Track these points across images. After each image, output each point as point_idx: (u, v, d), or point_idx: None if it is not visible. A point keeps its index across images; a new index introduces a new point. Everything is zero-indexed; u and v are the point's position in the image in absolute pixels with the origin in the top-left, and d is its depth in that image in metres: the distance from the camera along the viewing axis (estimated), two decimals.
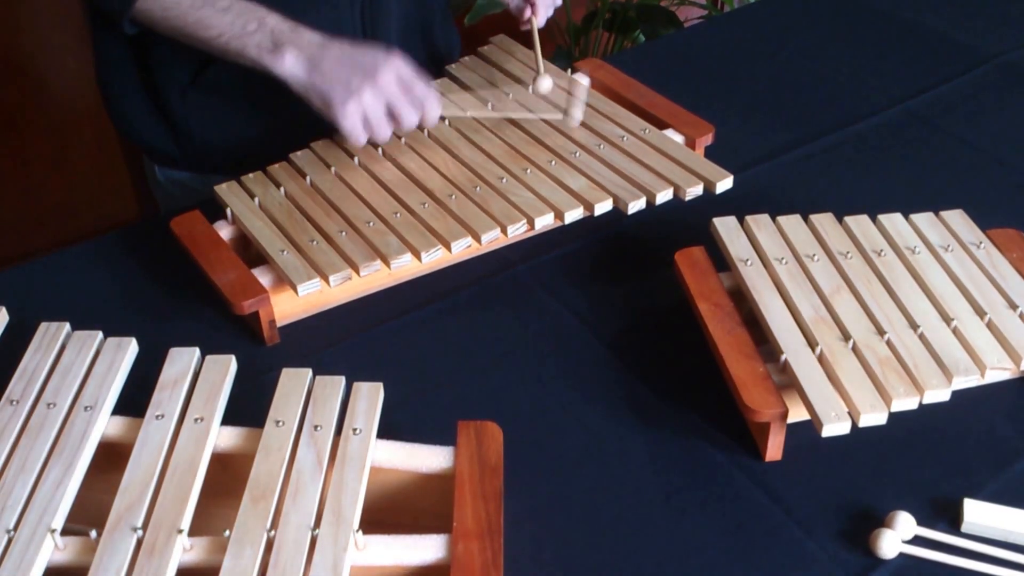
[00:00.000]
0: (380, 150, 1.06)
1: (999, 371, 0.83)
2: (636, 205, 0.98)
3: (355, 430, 0.75)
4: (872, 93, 1.30)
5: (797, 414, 0.83)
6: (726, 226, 0.97)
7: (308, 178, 1.03)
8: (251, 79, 0.99)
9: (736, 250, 0.94)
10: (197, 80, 1.10)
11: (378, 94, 0.96)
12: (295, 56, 0.96)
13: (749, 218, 0.97)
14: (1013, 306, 0.88)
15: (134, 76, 1.13)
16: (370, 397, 0.78)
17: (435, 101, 1.00)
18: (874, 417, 0.78)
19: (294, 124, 1.04)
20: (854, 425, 0.79)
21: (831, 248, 0.94)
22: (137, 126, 1.15)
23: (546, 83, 1.11)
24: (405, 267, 0.94)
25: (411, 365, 0.94)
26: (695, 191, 1.00)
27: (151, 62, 1.11)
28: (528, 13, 1.13)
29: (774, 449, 0.84)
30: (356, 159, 1.05)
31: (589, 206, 0.97)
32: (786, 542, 0.79)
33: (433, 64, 1.21)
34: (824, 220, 0.98)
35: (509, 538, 0.72)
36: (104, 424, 0.77)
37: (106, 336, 0.84)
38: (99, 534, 0.68)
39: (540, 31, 1.13)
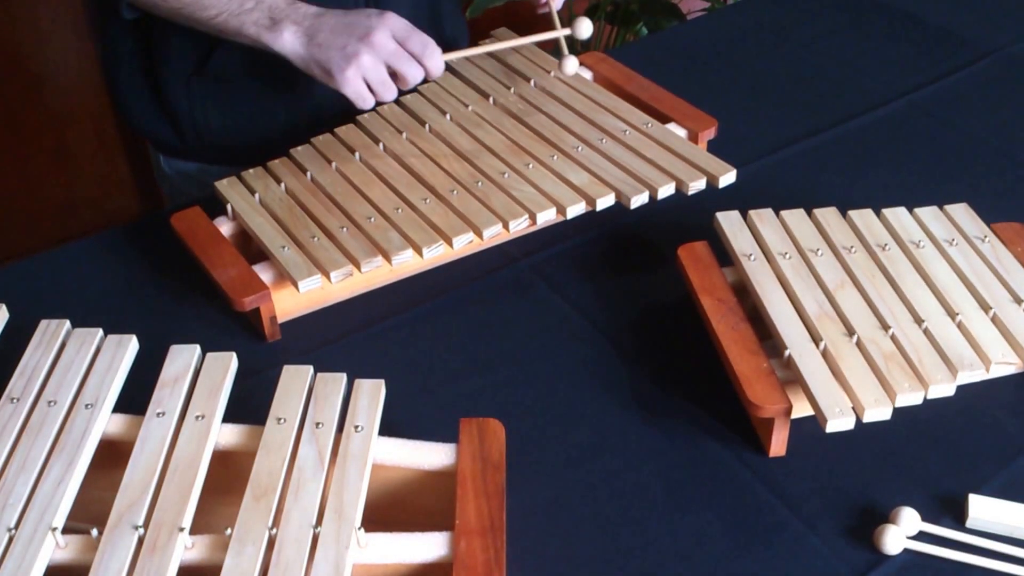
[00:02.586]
0: (381, 145, 1.05)
1: (1004, 366, 0.83)
2: (638, 199, 0.98)
3: (357, 427, 0.75)
4: (875, 86, 1.30)
5: (801, 409, 0.82)
6: (729, 220, 0.97)
7: (308, 173, 1.02)
8: (255, 70, 0.99)
9: (739, 244, 0.94)
10: (201, 71, 1.10)
11: (375, 55, 0.96)
12: (293, 31, 0.97)
13: (752, 212, 0.97)
14: (1018, 300, 0.88)
15: (139, 67, 1.13)
16: (372, 394, 0.78)
17: (434, 50, 0.99)
18: (878, 412, 0.78)
19: (299, 114, 1.04)
20: (858, 420, 0.78)
21: (835, 242, 0.94)
22: (143, 118, 1.15)
23: (571, 64, 1.09)
24: (406, 263, 0.94)
25: (413, 362, 0.93)
26: (698, 185, 0.99)
27: (155, 53, 1.11)
28: None
29: (778, 445, 0.84)
30: (357, 154, 1.04)
31: (591, 201, 0.97)
32: (790, 538, 0.78)
33: (443, 48, 1.21)
34: (828, 214, 0.97)
35: (512, 535, 0.71)
36: (105, 422, 0.77)
37: (106, 333, 0.84)
38: (100, 532, 0.68)
39: (537, 26, 1.12)
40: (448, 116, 1.09)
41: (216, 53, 1.08)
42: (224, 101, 1.12)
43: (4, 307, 0.88)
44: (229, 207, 0.99)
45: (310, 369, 0.80)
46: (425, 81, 1.02)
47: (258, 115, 1.13)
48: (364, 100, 0.98)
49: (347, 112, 1.08)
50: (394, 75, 0.98)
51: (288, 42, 0.97)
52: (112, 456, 0.76)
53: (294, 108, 1.00)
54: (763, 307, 0.88)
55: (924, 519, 0.78)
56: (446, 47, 1.22)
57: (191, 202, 1.02)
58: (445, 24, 1.23)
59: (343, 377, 0.79)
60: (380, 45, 0.96)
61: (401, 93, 1.02)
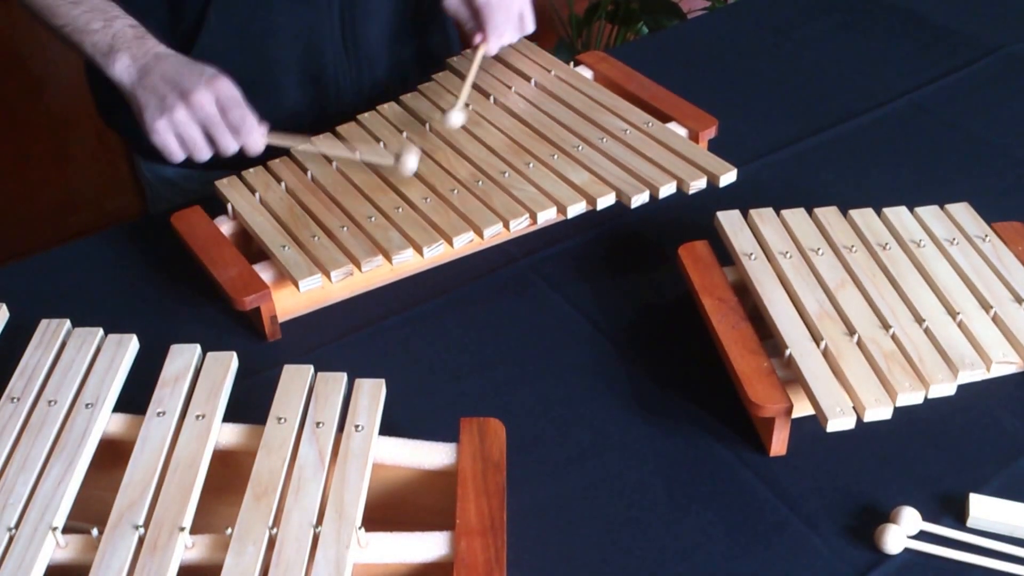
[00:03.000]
0: (382, 144, 1.05)
1: (1005, 365, 0.83)
2: (639, 199, 0.97)
3: (357, 427, 0.75)
4: (876, 85, 1.30)
5: (802, 409, 0.82)
6: (730, 220, 0.97)
7: (309, 173, 1.02)
8: (231, 76, 0.98)
9: (740, 244, 0.94)
10: None
11: (191, 114, 0.95)
12: (126, 64, 0.96)
13: (753, 212, 0.97)
14: (1019, 300, 0.88)
15: None
16: (372, 393, 0.78)
17: (253, 129, 0.97)
18: (879, 412, 0.78)
19: (274, 121, 1.03)
20: (859, 420, 0.78)
21: (836, 242, 0.94)
22: (122, 122, 1.15)
23: (456, 118, 1.04)
24: (407, 262, 0.94)
25: (413, 361, 0.93)
26: (698, 185, 0.99)
27: None
28: (478, 39, 1.09)
29: (779, 444, 0.84)
30: (358, 153, 1.04)
31: (592, 200, 0.97)
32: (791, 537, 0.78)
33: (426, 61, 1.20)
34: (828, 213, 0.97)
35: (512, 535, 0.71)
36: (105, 421, 0.77)
37: (107, 333, 0.84)
38: (100, 532, 0.68)
39: (538, 24, 1.12)
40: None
41: (192, 58, 1.07)
42: None
43: (4, 307, 0.88)
44: (229, 206, 0.99)
45: (310, 368, 0.80)
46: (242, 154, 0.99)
47: None
48: (172, 153, 0.97)
49: (322, 120, 1.08)
50: (211, 139, 0.97)
51: (118, 71, 0.97)
52: (112, 456, 0.76)
53: (268, 115, 0.99)
54: (764, 306, 0.88)
55: (925, 518, 0.78)
56: (432, 56, 1.21)
57: (172, 207, 1.02)
58: (431, 33, 1.21)
59: (343, 376, 0.79)
60: (198, 106, 0.95)
61: (217, 162, 0.99)
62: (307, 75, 1.13)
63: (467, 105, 1.06)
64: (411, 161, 0.99)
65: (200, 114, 0.95)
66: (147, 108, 0.95)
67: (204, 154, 0.98)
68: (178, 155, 0.97)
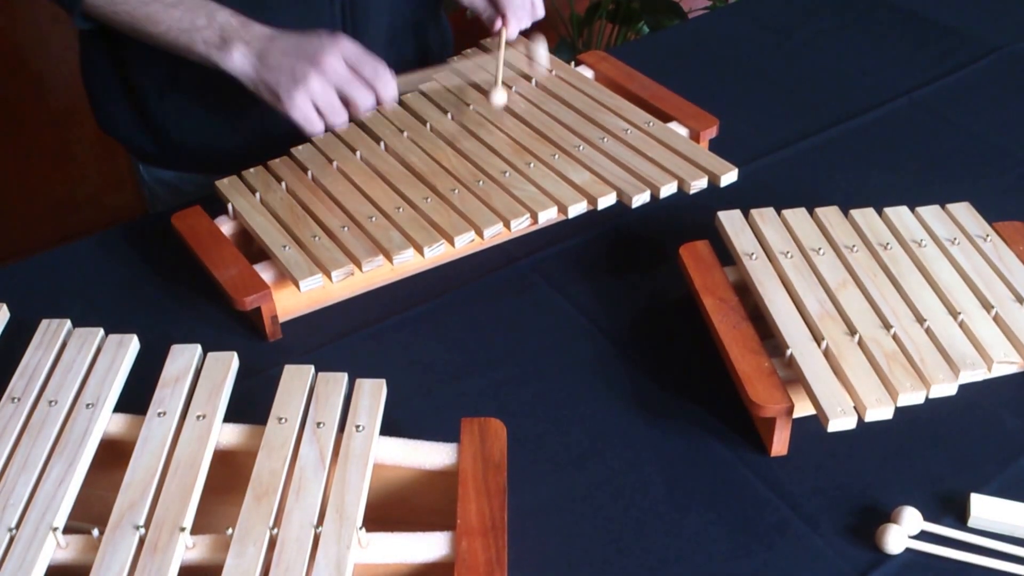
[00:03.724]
0: (382, 144, 1.05)
1: (1006, 365, 0.83)
2: (640, 199, 0.97)
3: (358, 427, 0.75)
4: (877, 85, 1.30)
5: (803, 409, 0.82)
6: (731, 220, 0.96)
7: (309, 172, 1.02)
8: (230, 79, 0.98)
9: (741, 244, 0.94)
10: (175, 80, 1.09)
11: (325, 79, 0.94)
12: (243, 51, 0.95)
13: (754, 211, 0.97)
14: (1020, 299, 0.87)
15: (115, 76, 1.12)
16: (373, 394, 0.78)
17: (387, 77, 0.97)
18: (880, 412, 0.78)
19: (274, 123, 1.03)
20: (860, 420, 0.78)
21: (837, 241, 0.94)
22: (119, 125, 1.15)
23: (500, 97, 1.06)
24: (407, 262, 0.93)
25: (414, 361, 0.93)
26: (699, 184, 0.99)
27: (129, 61, 1.10)
28: (499, 24, 1.09)
29: (780, 444, 0.84)
30: (358, 153, 1.04)
31: (592, 200, 0.97)
32: (792, 537, 0.78)
33: (425, 62, 1.20)
34: (829, 213, 0.97)
35: (513, 535, 0.71)
36: (106, 422, 0.77)
37: (107, 333, 0.84)
38: (101, 532, 0.68)
39: (539, 23, 1.12)
40: (449, 115, 1.09)
41: (189, 64, 1.07)
42: (199, 110, 1.11)
43: (5, 307, 0.88)
44: (230, 206, 0.99)
45: (311, 369, 0.80)
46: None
47: (233, 124, 1.11)
48: (312, 124, 0.96)
49: None
50: (345, 100, 0.96)
51: (238, 62, 0.96)
52: (113, 456, 0.76)
53: (269, 117, 0.99)
54: (765, 306, 0.88)
55: (926, 518, 0.78)
56: (432, 57, 1.22)
57: (170, 209, 1.01)
58: (430, 33, 1.21)
59: (344, 377, 0.79)
60: (331, 69, 0.94)
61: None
62: None
63: (508, 85, 1.08)
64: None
65: (334, 77, 0.94)
66: (280, 86, 0.94)
67: (342, 117, 0.97)
68: (318, 125, 0.96)
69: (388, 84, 0.97)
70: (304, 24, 0.99)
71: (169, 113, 1.11)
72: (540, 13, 1.11)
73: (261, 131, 1.10)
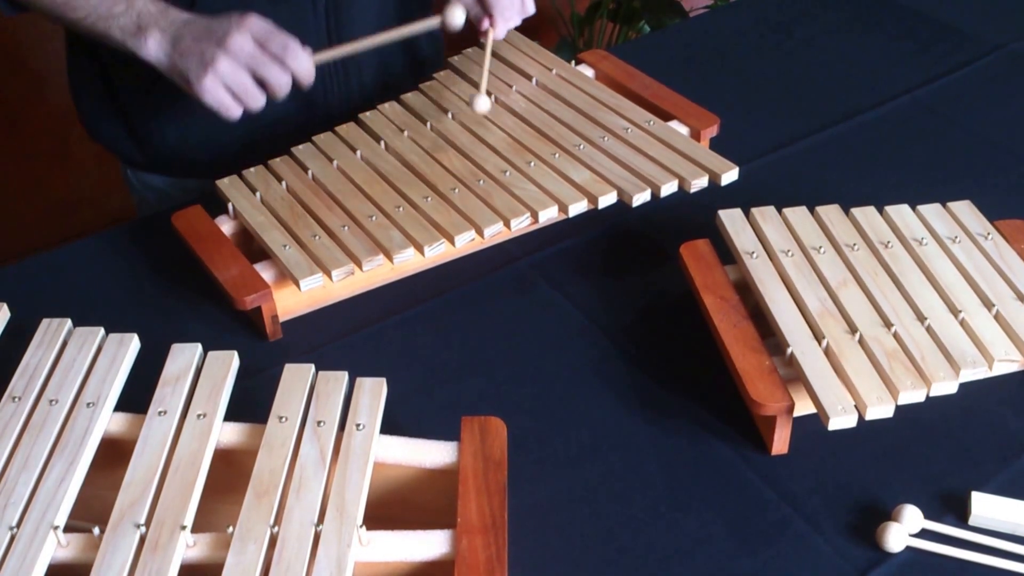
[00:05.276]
0: (383, 143, 1.05)
1: (1007, 363, 0.83)
2: (641, 198, 0.97)
3: (358, 425, 0.75)
4: (878, 83, 1.30)
5: (803, 407, 0.82)
6: (731, 218, 0.96)
7: (310, 172, 1.02)
8: None
9: (742, 242, 0.94)
10: (158, 84, 1.08)
11: (234, 60, 0.92)
12: (157, 39, 0.94)
13: (755, 210, 0.97)
14: (1021, 298, 0.87)
15: (100, 81, 1.12)
16: (373, 392, 0.78)
17: (298, 50, 0.93)
18: (881, 410, 0.78)
19: (257, 129, 1.02)
20: (861, 418, 0.78)
21: (837, 240, 0.94)
22: (104, 130, 1.14)
23: (483, 103, 1.04)
24: (408, 261, 0.93)
25: (414, 360, 0.93)
26: (700, 183, 0.99)
27: (112, 66, 1.10)
28: (486, 24, 1.07)
29: (780, 443, 0.84)
30: (358, 152, 1.04)
31: (593, 199, 0.97)
32: (792, 536, 0.78)
33: (414, 65, 1.20)
34: (830, 212, 0.97)
35: (513, 533, 0.71)
36: (106, 421, 0.77)
37: (108, 332, 0.84)
38: (102, 531, 0.68)
39: (540, 23, 1.12)
40: (449, 114, 1.09)
41: None
42: (181, 115, 1.10)
43: (5, 306, 0.88)
44: (230, 206, 0.99)
45: (311, 368, 0.80)
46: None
47: (216, 129, 1.09)
48: (227, 109, 0.94)
49: (305, 127, 1.07)
50: (260, 81, 0.94)
51: (152, 50, 0.94)
52: (114, 455, 0.76)
53: (252, 122, 0.98)
54: (765, 305, 0.88)
55: (926, 517, 0.78)
56: (423, 61, 1.20)
57: (159, 213, 1.01)
58: (421, 37, 1.21)
59: (344, 375, 0.79)
60: (237, 48, 0.92)
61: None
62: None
63: (489, 93, 1.06)
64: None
65: (242, 56, 0.92)
66: (189, 71, 0.92)
67: (258, 100, 0.94)
68: (234, 109, 0.94)
69: (299, 58, 0.94)
70: (287, 27, 0.98)
71: (152, 118, 1.11)
72: (530, 10, 1.09)
73: (244, 136, 1.09)
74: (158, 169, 1.17)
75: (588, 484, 0.82)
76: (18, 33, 1.92)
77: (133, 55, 0.95)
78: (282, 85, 0.94)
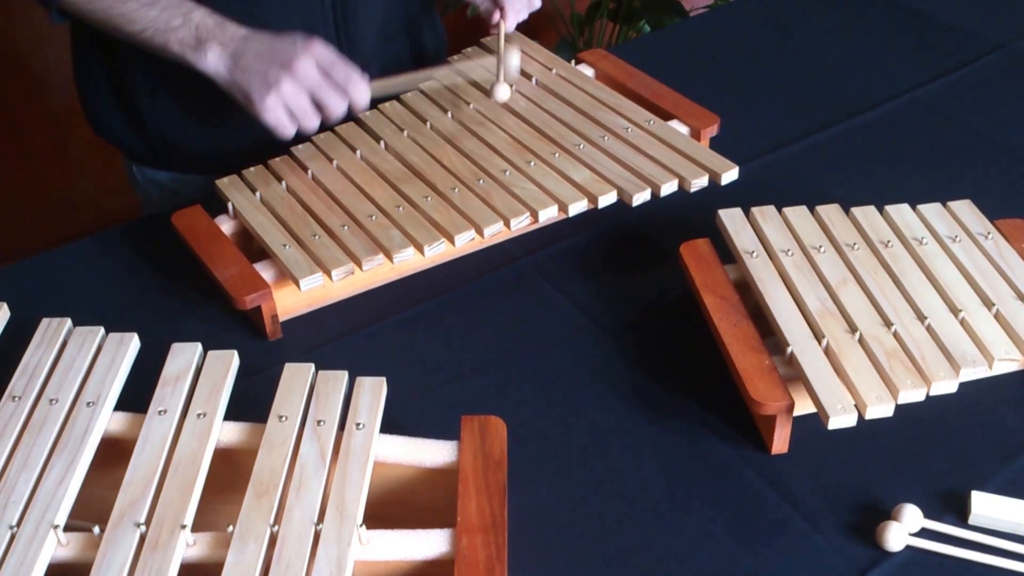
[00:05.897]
0: (383, 143, 1.05)
1: (1007, 362, 0.83)
2: (641, 197, 0.97)
3: (358, 425, 0.75)
4: (879, 83, 1.30)
5: (803, 407, 0.82)
6: (732, 218, 0.96)
7: (310, 172, 1.02)
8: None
9: (742, 242, 0.94)
10: (166, 80, 1.09)
11: (298, 83, 0.94)
12: (217, 52, 0.96)
13: (755, 209, 0.97)
14: (1021, 297, 0.87)
15: (106, 77, 1.12)
16: (373, 392, 0.78)
17: (359, 83, 0.97)
18: (881, 409, 0.78)
19: (261, 127, 1.02)
20: (861, 417, 0.78)
21: (838, 239, 0.94)
22: (111, 125, 1.15)
23: (503, 92, 1.06)
24: (408, 261, 0.93)
25: (414, 359, 0.93)
26: (700, 183, 0.99)
27: (120, 61, 1.10)
28: (497, 16, 1.09)
29: (780, 442, 0.84)
30: (358, 152, 1.04)
31: (593, 198, 0.97)
32: (792, 535, 0.78)
33: (419, 61, 1.20)
34: (830, 211, 0.97)
35: (513, 533, 0.71)
36: (106, 420, 0.77)
37: (108, 332, 0.84)
38: (102, 530, 0.68)
39: (540, 22, 1.12)
40: (449, 114, 1.09)
41: (180, 65, 1.07)
42: (189, 110, 1.11)
43: (5, 306, 0.88)
44: (230, 205, 0.99)
45: (311, 367, 0.80)
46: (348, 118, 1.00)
47: (224, 125, 1.11)
48: (284, 128, 0.96)
49: None
50: (318, 105, 0.96)
51: (212, 63, 0.96)
52: (114, 454, 0.76)
53: (255, 119, 0.99)
54: (765, 304, 0.88)
55: (926, 516, 0.78)
56: (426, 56, 1.21)
57: (165, 210, 1.01)
58: (424, 33, 1.21)
59: (344, 375, 0.79)
60: (303, 73, 0.94)
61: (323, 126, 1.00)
62: None
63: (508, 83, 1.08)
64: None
65: (306, 81, 0.94)
66: (252, 89, 0.94)
67: (314, 123, 0.97)
68: (290, 129, 0.97)
69: (360, 89, 0.97)
70: (295, 23, 0.99)
71: (160, 113, 1.11)
72: (536, 3, 1.12)
73: (252, 132, 1.09)
74: (162, 164, 1.18)
75: (588, 484, 0.82)
76: (17, 35, 1.92)
77: (190, 67, 0.97)
78: (340, 112, 0.97)
